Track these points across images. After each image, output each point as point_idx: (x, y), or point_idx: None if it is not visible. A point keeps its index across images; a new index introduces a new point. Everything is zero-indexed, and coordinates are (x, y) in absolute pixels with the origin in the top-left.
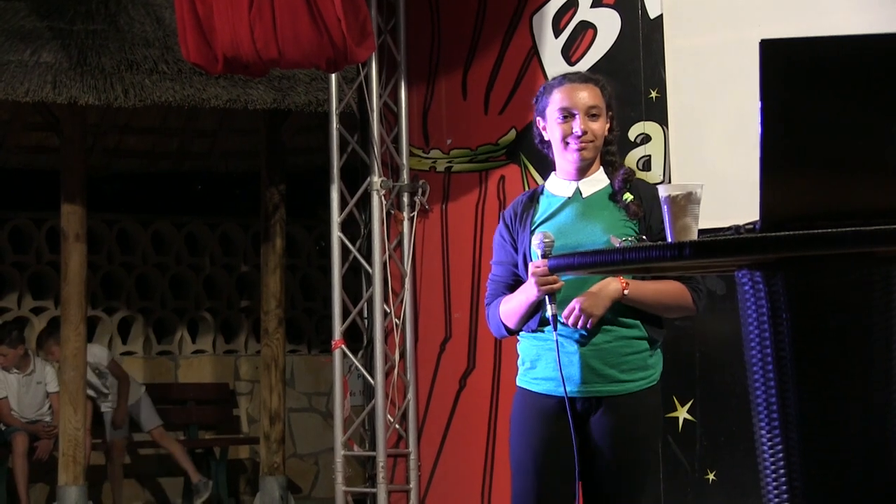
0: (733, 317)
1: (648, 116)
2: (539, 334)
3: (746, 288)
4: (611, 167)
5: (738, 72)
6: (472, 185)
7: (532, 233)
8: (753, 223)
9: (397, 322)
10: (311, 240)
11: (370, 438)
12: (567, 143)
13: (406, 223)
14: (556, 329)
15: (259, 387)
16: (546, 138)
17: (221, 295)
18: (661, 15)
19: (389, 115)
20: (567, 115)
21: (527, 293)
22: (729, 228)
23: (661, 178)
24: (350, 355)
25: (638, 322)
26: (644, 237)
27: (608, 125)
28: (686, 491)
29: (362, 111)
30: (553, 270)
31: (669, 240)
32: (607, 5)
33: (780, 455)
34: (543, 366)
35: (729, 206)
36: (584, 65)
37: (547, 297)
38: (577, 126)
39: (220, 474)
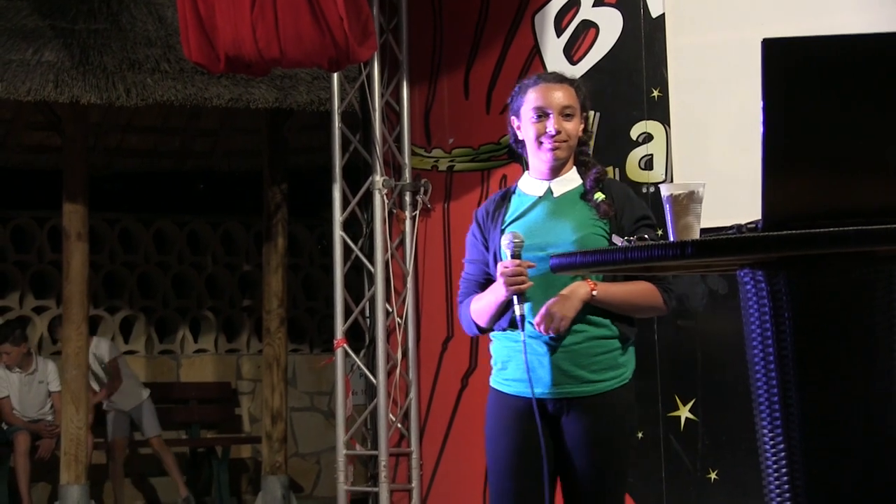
0: (735, 316)
1: (650, 116)
2: (510, 334)
3: (748, 287)
4: (584, 167)
5: (740, 71)
6: (474, 184)
7: (502, 232)
8: (755, 222)
9: (399, 321)
10: (313, 239)
11: (372, 437)
12: (541, 143)
13: (408, 222)
14: (523, 329)
15: (261, 386)
16: (520, 137)
17: (223, 294)
18: (663, 14)
19: (391, 115)
20: (541, 114)
21: (496, 293)
22: (731, 227)
23: (663, 177)
24: (352, 354)
25: (608, 321)
26: (619, 239)
27: (582, 125)
28: (688, 490)
29: (364, 110)
30: (555, 269)
31: (671, 239)
32: (609, 4)
33: (782, 454)
34: (514, 367)
35: (731, 205)
36: (585, 64)
37: (515, 297)
38: (551, 125)
39: (221, 474)
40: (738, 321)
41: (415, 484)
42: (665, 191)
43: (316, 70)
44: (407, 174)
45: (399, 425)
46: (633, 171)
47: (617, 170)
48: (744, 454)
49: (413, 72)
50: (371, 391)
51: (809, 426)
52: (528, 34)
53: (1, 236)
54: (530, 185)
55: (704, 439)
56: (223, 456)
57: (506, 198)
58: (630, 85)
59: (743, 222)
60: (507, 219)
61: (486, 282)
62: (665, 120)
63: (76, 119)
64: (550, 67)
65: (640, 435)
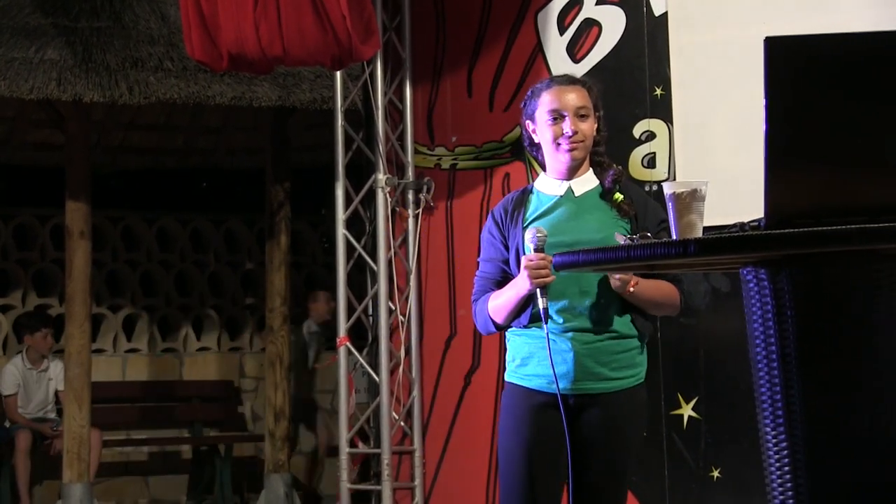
0: (738, 314)
1: (653, 114)
2: (530, 331)
3: (751, 285)
4: (599, 167)
5: (743, 69)
6: (477, 183)
7: (524, 229)
8: (758, 220)
9: (402, 319)
10: (316, 237)
11: (375, 436)
12: (559, 144)
13: (411, 220)
14: (546, 322)
15: (264, 384)
16: (536, 140)
17: (226, 292)
18: (666, 12)
19: (394, 113)
20: (557, 116)
21: (517, 287)
22: (734, 225)
23: (666, 175)
24: (355, 352)
25: (628, 319)
26: (622, 237)
27: (596, 125)
28: (690, 488)
29: (367, 109)
30: (558, 267)
31: (674, 237)
32: (612, 3)
33: (785, 452)
34: (536, 363)
35: (733, 203)
36: (588, 62)
37: (539, 290)
38: (567, 127)
39: (224, 472)
40: (741, 319)
41: (417, 482)
42: (668, 189)
43: (319, 68)
44: (410, 172)
45: (402, 423)
46: (636, 169)
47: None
48: (746, 452)
49: (416, 70)
50: (374, 389)
51: (812, 424)
52: (531, 32)
53: (3, 234)
54: (549, 185)
55: (707, 437)
56: (226, 454)
57: (524, 197)
58: (633, 83)
59: (746, 220)
60: (529, 216)
61: (502, 280)
62: (668, 118)
63: (79, 117)
64: (553, 66)
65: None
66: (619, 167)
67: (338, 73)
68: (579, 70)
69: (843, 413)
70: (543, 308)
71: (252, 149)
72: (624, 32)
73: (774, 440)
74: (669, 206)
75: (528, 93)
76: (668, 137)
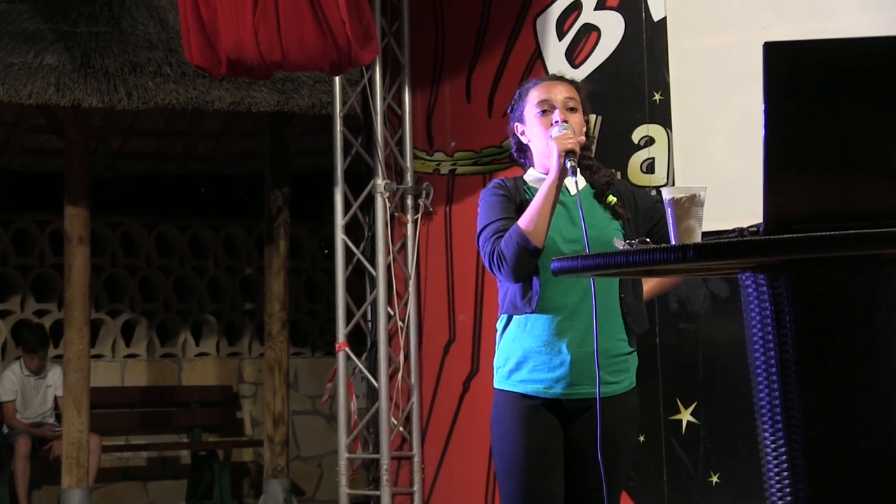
0: (737, 319)
1: (652, 119)
2: (526, 329)
3: (750, 290)
4: (589, 171)
5: (743, 74)
6: (476, 188)
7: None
8: (757, 225)
9: (401, 325)
10: (315, 242)
11: (374, 441)
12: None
13: (410, 226)
14: (574, 175)
15: (263, 389)
16: (525, 142)
17: (225, 297)
18: (665, 17)
19: (393, 118)
20: (546, 108)
21: (545, 183)
22: (733, 231)
23: (665, 180)
24: (354, 358)
25: (624, 325)
26: (621, 242)
27: (584, 128)
28: (689, 493)
29: (366, 114)
30: (557, 273)
31: (673, 242)
32: (611, 8)
33: (784, 458)
34: (531, 367)
35: (732, 208)
36: (587, 67)
37: (566, 161)
38: (556, 115)
39: (223, 477)
40: (740, 324)
41: (416, 487)
42: (667, 194)
43: (318, 73)
44: (409, 178)
45: (401, 429)
46: (635, 174)
47: (618, 173)
48: (745, 458)
49: (415, 75)
50: (373, 395)
51: (811, 430)
52: (530, 38)
53: (2, 239)
54: (540, 182)
55: (706, 443)
56: (225, 459)
57: (518, 187)
58: (632, 88)
59: (745, 226)
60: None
61: None
62: (667, 123)
63: (78, 122)
64: (552, 71)
65: (641, 438)
66: (610, 170)
67: (337, 79)
68: (578, 75)
69: (842, 419)
70: (571, 166)
71: (251, 154)
72: (623, 37)
73: (773, 445)
74: (668, 211)
75: (516, 95)
76: (667, 142)
